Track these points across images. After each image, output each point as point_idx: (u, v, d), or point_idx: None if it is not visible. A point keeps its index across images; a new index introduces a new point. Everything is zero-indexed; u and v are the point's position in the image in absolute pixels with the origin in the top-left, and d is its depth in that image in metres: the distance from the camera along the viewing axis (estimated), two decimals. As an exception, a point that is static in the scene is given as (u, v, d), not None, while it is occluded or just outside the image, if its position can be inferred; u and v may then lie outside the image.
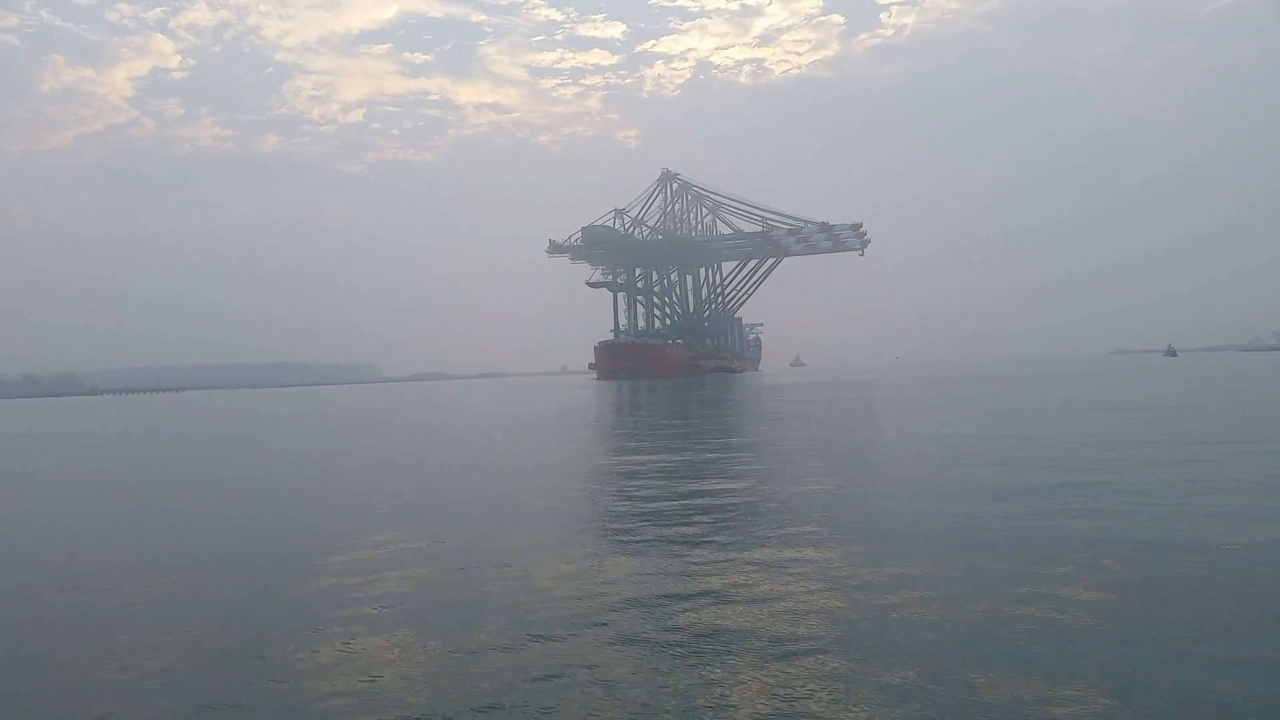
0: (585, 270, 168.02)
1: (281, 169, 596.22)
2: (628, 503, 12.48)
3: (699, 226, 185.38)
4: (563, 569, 8.35)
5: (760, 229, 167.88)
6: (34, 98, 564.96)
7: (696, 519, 10.75)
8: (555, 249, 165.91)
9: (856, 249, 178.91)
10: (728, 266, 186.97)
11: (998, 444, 18.76)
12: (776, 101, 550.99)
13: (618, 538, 9.85)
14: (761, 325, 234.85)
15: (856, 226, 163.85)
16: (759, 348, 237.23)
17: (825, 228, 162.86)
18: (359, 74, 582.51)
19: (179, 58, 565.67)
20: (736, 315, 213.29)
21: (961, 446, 18.56)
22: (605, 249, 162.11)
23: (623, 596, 7.23)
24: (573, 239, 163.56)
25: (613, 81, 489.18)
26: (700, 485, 13.90)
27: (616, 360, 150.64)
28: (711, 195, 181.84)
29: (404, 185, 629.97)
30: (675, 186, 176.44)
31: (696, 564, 8.32)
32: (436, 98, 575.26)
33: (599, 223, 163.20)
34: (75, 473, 22.17)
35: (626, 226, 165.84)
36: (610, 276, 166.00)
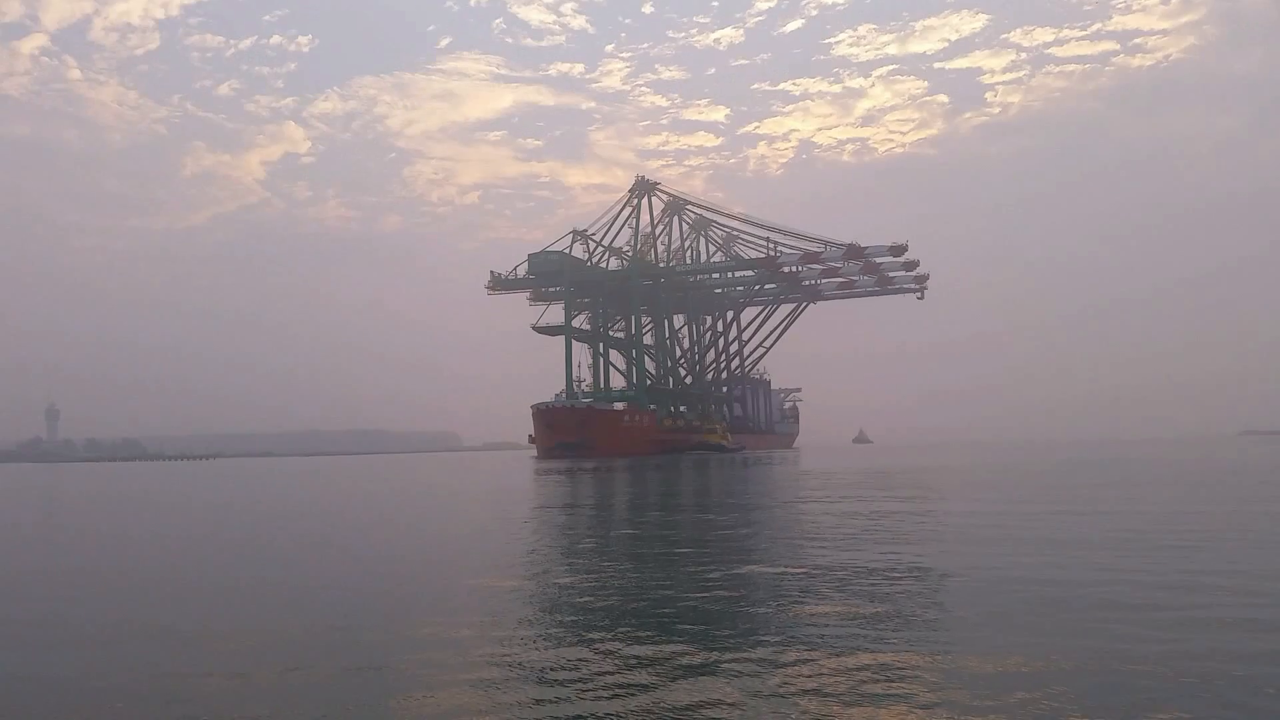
0: (558, 314, 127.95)
1: (401, 248, 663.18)
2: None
3: (704, 260, 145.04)
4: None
5: (766, 254, 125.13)
6: (177, 181, 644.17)
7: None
8: (497, 283, 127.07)
9: (913, 290, 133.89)
10: (741, 313, 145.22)
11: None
12: (879, 177, 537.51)
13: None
14: (799, 390, 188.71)
15: (898, 250, 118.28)
16: (796, 418, 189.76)
17: (854, 251, 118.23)
18: (475, 160, 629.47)
19: (309, 143, 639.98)
20: (765, 377, 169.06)
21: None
22: (559, 282, 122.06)
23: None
24: (517, 270, 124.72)
25: (716, 162, 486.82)
26: None
27: (557, 430, 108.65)
28: (717, 221, 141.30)
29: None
30: (663, 205, 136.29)
31: None
32: (547, 180, 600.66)
33: (553, 248, 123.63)
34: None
35: (591, 253, 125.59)
36: (567, 319, 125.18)
